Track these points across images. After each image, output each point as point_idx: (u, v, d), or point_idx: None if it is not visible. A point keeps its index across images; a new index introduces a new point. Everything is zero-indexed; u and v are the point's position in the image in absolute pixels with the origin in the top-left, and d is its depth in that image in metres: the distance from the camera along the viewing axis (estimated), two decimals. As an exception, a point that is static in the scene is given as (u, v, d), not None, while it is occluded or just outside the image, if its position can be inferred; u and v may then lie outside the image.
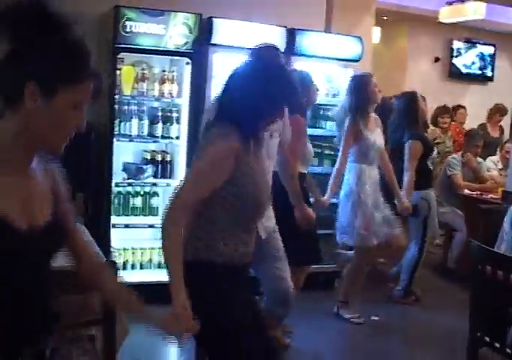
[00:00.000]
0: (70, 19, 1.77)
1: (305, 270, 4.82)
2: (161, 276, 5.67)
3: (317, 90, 5.14)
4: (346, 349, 5.18)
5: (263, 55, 3.71)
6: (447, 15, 9.91)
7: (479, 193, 6.92)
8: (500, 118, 9.33)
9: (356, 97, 5.29)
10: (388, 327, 5.44)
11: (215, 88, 5.25)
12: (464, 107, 9.51)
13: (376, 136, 5.36)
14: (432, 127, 8.17)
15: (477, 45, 11.78)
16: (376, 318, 5.51)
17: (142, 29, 5.26)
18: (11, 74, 1.72)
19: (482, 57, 11.82)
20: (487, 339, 3.69)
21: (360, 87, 5.31)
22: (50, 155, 1.87)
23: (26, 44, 1.71)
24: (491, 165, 7.68)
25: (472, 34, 11.56)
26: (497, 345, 3.61)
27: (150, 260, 5.60)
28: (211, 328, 2.43)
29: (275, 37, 5.73)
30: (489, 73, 11.92)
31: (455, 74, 11.63)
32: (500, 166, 7.66)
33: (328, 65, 6.15)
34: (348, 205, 5.30)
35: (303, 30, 5.98)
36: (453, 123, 9.16)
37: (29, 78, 1.68)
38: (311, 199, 5.00)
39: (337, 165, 5.32)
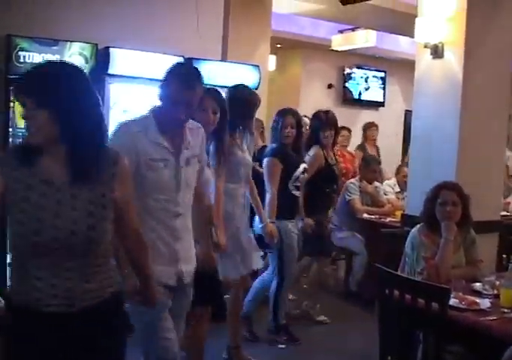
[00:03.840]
0: None
1: (207, 312, 4.07)
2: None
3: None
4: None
5: None
6: (339, 43, 10.17)
7: (377, 216, 7.03)
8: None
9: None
10: (296, 353, 5.43)
11: (113, 118, 5.17)
12: (348, 129, 8.70)
13: (245, 153, 4.65)
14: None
15: (369, 71, 12.14)
16: (283, 346, 5.49)
17: (36, 59, 5.10)
18: None
19: (373, 83, 12.17)
20: (396, 363, 3.74)
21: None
22: None
23: None
24: (388, 189, 7.84)
25: (364, 60, 11.91)
26: (406, 368, 3.66)
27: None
28: None
29: (173, 66, 5.69)
30: (380, 98, 12.28)
31: (348, 100, 11.92)
32: (397, 189, 7.83)
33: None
34: None
35: (201, 59, 5.98)
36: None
37: None
38: None
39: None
